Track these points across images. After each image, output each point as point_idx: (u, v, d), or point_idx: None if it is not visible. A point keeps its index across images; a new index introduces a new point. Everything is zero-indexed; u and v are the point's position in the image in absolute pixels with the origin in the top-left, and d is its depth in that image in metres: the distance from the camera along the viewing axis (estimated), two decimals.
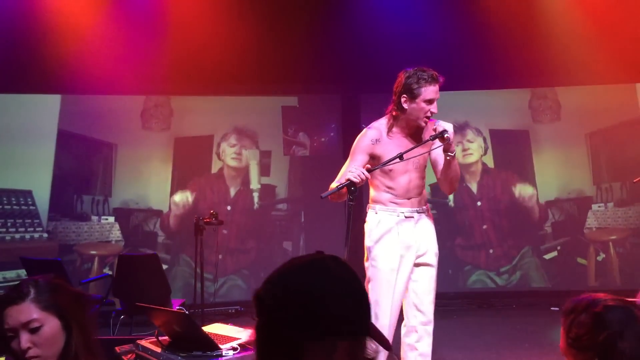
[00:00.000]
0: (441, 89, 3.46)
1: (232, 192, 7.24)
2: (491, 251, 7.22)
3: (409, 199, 3.49)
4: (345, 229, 3.23)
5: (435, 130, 3.29)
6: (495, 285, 7.20)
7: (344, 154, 7.21)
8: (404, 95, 3.37)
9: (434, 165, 3.57)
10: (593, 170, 7.18)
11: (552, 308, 6.40)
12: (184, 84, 6.82)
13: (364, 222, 3.59)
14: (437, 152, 3.47)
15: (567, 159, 7.24)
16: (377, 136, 3.46)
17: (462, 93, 6.99)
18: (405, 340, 3.51)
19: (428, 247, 3.53)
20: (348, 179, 3.20)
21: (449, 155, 3.35)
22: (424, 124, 3.42)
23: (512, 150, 7.35)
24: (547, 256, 7.20)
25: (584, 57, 6.54)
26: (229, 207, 7.16)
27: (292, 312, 1.20)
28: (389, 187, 3.48)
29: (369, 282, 3.45)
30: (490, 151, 7.32)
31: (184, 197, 7.14)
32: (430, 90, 3.35)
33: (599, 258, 7.10)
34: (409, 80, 3.37)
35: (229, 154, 7.26)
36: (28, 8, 6.23)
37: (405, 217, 3.47)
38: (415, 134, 3.50)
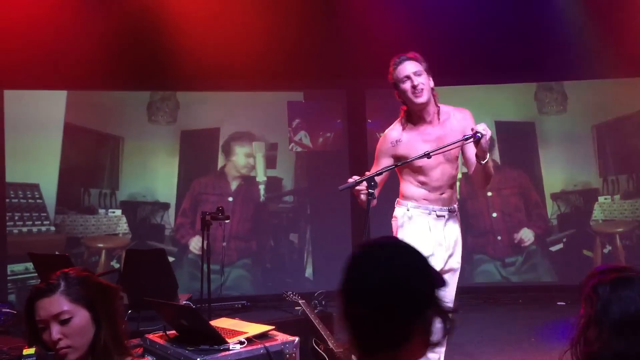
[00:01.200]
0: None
1: (234, 185, 7.25)
2: (499, 238, 7.21)
3: (441, 194, 3.47)
4: (363, 222, 3.21)
5: (472, 129, 3.22)
6: (501, 276, 7.19)
7: (350, 148, 7.33)
8: (395, 91, 3.52)
9: (465, 161, 3.56)
10: (599, 162, 7.14)
11: (559, 303, 6.38)
12: (190, 80, 6.80)
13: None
14: (469, 148, 3.43)
15: (573, 151, 7.19)
16: (397, 137, 3.50)
17: (465, 87, 6.98)
18: None
19: (455, 250, 3.53)
20: (353, 179, 3.23)
21: (480, 163, 3.31)
22: (417, 100, 3.40)
23: (518, 142, 7.32)
24: (553, 248, 7.18)
25: (591, 51, 6.48)
26: (230, 199, 7.17)
27: (393, 297, 1.25)
28: (422, 182, 3.47)
29: None
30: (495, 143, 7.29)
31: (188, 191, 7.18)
32: (399, 70, 3.45)
33: (605, 250, 7.08)
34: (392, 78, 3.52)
35: (239, 154, 7.26)
36: (31, 7, 6.21)
37: (437, 216, 3.46)
38: (432, 118, 3.50)
